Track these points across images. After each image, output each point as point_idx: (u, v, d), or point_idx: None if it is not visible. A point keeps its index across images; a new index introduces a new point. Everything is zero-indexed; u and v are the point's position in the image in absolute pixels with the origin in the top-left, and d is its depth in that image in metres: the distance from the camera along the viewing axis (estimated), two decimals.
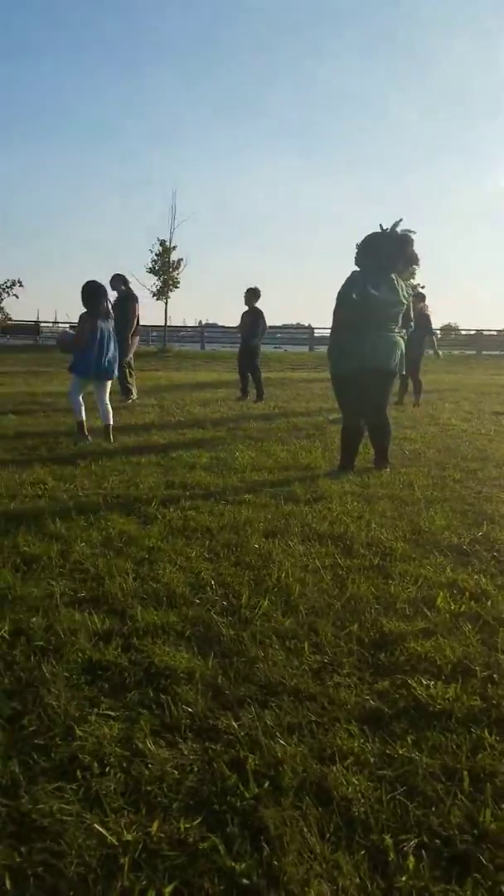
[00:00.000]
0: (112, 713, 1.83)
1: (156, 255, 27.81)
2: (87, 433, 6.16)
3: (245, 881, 1.32)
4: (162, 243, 27.74)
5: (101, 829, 1.42)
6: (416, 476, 4.79)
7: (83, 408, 6.18)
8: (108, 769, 1.61)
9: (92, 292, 6.14)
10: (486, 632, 2.35)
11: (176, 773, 1.61)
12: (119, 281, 9.43)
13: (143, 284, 28.39)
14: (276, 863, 1.35)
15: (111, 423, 6.29)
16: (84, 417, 6.19)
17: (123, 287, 9.47)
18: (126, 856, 1.36)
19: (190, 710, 1.85)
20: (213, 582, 2.74)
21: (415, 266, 5.31)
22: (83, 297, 6.16)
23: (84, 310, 6.14)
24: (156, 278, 27.93)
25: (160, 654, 2.12)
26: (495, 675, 2.05)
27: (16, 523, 3.47)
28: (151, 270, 27.89)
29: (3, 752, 1.67)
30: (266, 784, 1.57)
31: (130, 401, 9.40)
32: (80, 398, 6.19)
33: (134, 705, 1.87)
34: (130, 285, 9.68)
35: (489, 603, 2.59)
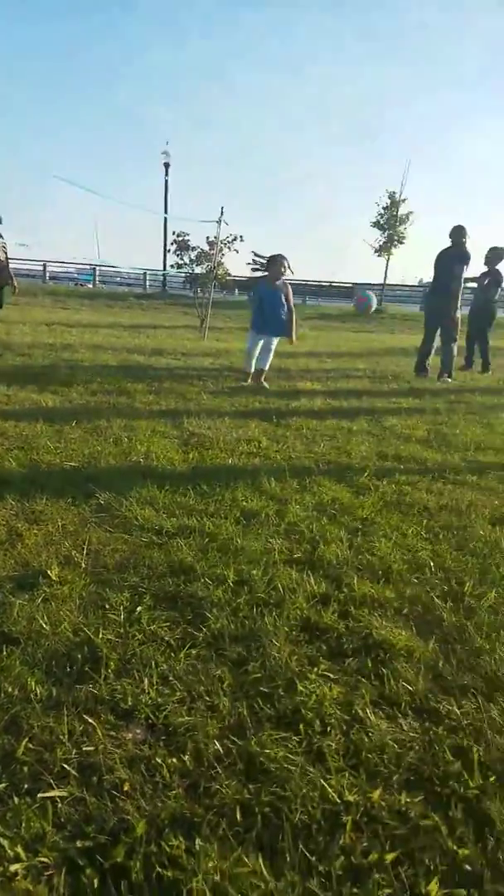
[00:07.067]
0: (331, 675, 1.96)
1: (382, 208, 27.45)
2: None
3: (468, 867, 1.37)
4: (391, 195, 27.28)
5: (324, 783, 1.55)
6: None
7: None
8: (329, 729, 1.74)
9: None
10: None
11: (396, 746, 1.69)
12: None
13: (364, 240, 28.54)
14: (502, 858, 1.39)
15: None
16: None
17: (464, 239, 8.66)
18: (348, 815, 1.48)
19: (410, 688, 1.91)
20: (431, 564, 2.76)
21: None
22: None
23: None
24: (380, 233, 27.68)
25: (378, 628, 2.21)
26: None
27: (234, 478, 3.75)
28: (376, 224, 27.63)
29: (232, 693, 1.87)
30: (493, 778, 1.60)
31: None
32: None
33: (352, 672, 1.98)
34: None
35: None
